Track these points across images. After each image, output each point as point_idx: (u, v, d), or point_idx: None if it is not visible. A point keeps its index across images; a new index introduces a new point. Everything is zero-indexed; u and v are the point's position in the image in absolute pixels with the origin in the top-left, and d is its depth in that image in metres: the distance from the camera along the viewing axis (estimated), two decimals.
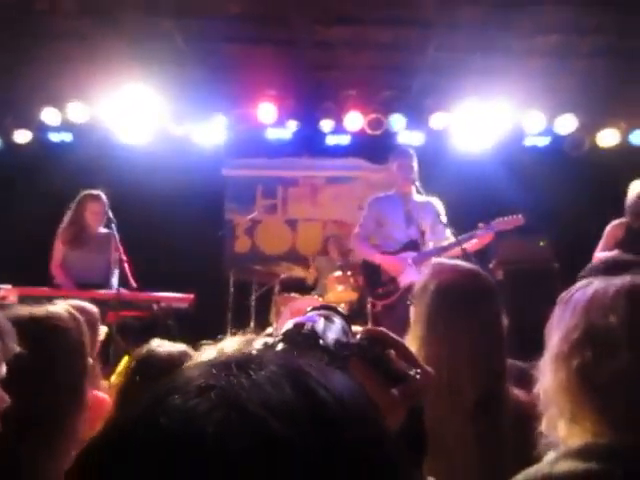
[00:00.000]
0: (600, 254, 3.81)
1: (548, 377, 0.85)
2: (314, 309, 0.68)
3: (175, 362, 1.39)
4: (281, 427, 0.34)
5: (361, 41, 4.58)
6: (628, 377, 0.77)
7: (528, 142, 5.28)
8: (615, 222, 3.90)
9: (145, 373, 1.40)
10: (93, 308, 2.04)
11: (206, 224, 5.59)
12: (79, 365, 1.18)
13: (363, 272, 3.90)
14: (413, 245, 3.59)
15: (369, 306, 4.66)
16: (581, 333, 0.82)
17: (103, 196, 4.05)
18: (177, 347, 1.50)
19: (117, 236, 3.91)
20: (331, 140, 5.60)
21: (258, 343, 0.60)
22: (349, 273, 5.11)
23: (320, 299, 4.94)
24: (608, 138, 5.02)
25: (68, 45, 4.52)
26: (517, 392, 1.33)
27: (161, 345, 1.50)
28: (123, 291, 3.83)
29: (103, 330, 2.27)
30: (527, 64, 4.41)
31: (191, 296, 3.91)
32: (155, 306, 3.85)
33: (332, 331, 0.60)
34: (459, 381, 1.26)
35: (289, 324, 0.61)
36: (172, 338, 1.66)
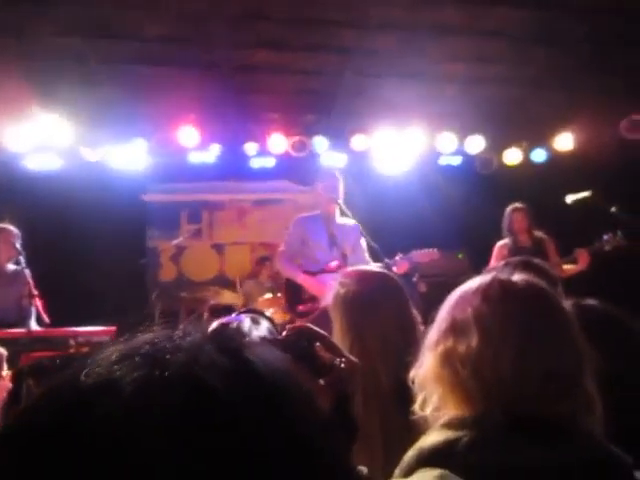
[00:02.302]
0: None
1: (422, 364, 0.97)
2: (241, 312, 0.70)
3: None
4: (208, 379, 0.33)
5: (282, 65, 4.67)
6: (477, 356, 0.88)
7: (442, 161, 5.62)
8: (500, 243, 4.38)
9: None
10: None
11: (127, 253, 5.35)
12: None
13: (285, 290, 3.92)
14: (335, 266, 3.64)
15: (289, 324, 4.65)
16: (446, 324, 0.95)
17: (11, 227, 3.75)
18: None
19: (27, 270, 3.64)
20: (256, 163, 5.60)
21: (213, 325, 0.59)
22: (279, 295, 5.09)
23: None
24: (512, 156, 5.47)
25: None
26: None
27: None
28: (35, 328, 3.55)
29: (5, 373, 2.05)
30: (438, 89, 4.72)
31: (112, 329, 3.69)
32: (72, 342, 3.59)
33: (258, 330, 0.62)
34: (375, 376, 1.34)
35: (214, 324, 0.61)
36: None
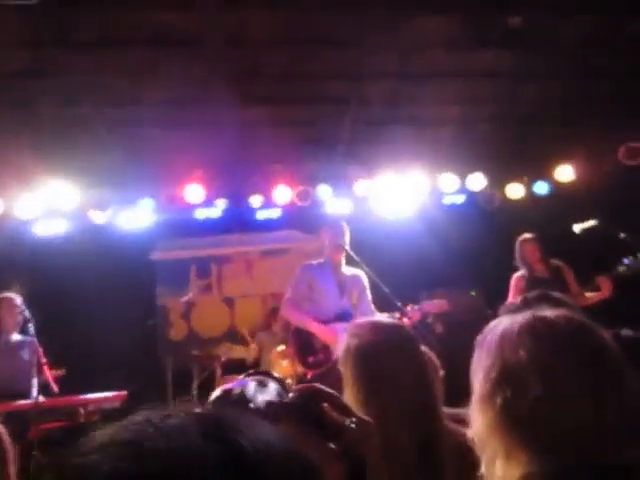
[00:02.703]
0: None
1: (477, 419, 0.87)
2: (247, 375, 0.67)
3: None
4: (184, 473, 0.32)
5: (282, 118, 4.81)
6: (545, 405, 0.80)
7: (447, 201, 5.66)
8: (517, 274, 4.35)
9: None
10: None
11: (137, 313, 5.32)
12: None
13: (294, 339, 3.75)
14: (346, 316, 3.54)
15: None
16: (498, 372, 0.85)
17: (13, 296, 3.77)
18: None
19: (35, 338, 3.61)
20: (262, 214, 5.66)
21: (214, 394, 0.56)
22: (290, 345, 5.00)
23: None
24: (515, 191, 5.52)
25: None
26: (467, 432, 1.36)
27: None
28: (43, 398, 3.48)
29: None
30: (435, 132, 4.84)
31: (122, 393, 3.60)
32: (82, 410, 3.49)
33: (264, 394, 0.59)
34: (396, 439, 1.24)
35: (217, 391, 0.59)
36: None
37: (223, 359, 5.00)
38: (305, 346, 3.57)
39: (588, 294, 4.03)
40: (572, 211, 4.72)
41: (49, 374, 3.80)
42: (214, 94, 4.36)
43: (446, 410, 1.47)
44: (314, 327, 3.51)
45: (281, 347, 4.96)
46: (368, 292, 3.63)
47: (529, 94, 4.34)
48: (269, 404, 0.58)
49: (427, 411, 1.30)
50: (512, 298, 4.28)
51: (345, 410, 0.64)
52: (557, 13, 3.48)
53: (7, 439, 1.66)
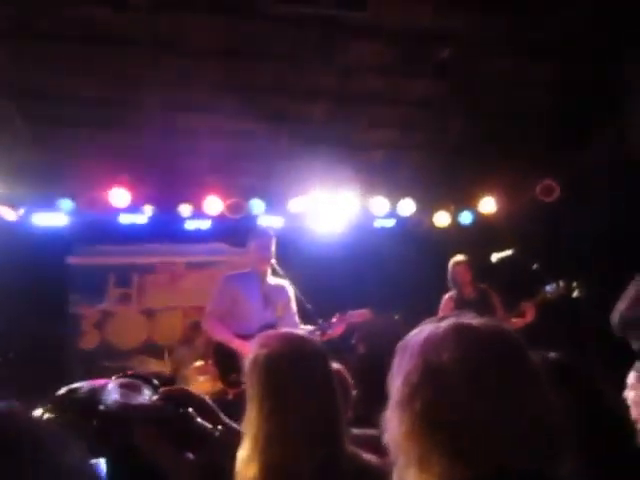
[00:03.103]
0: None
1: (393, 425, 0.84)
2: (119, 377, 0.62)
3: None
4: None
5: (215, 129, 4.74)
6: (468, 410, 0.78)
7: (377, 224, 5.77)
8: (446, 296, 4.51)
9: None
10: None
11: (47, 319, 4.96)
12: None
13: (215, 356, 3.61)
14: (270, 328, 3.48)
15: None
16: (419, 375, 0.83)
17: None
18: None
19: None
20: (190, 225, 5.50)
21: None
22: (211, 362, 4.84)
23: None
24: (441, 219, 5.72)
25: None
26: (367, 456, 1.31)
27: None
28: None
29: None
30: (367, 155, 4.94)
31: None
32: None
33: (123, 396, 0.54)
34: (294, 458, 1.20)
35: (62, 389, 0.54)
36: None
37: (130, 373, 4.75)
38: (227, 363, 3.41)
39: (513, 319, 4.19)
40: (493, 240, 4.95)
41: None
42: (146, 98, 4.23)
43: (355, 431, 1.43)
44: (235, 343, 3.38)
45: (199, 362, 4.79)
46: (293, 304, 3.58)
47: (457, 125, 4.54)
48: (122, 405, 0.52)
49: (329, 432, 1.26)
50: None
51: (213, 416, 0.60)
52: (479, 49, 3.69)
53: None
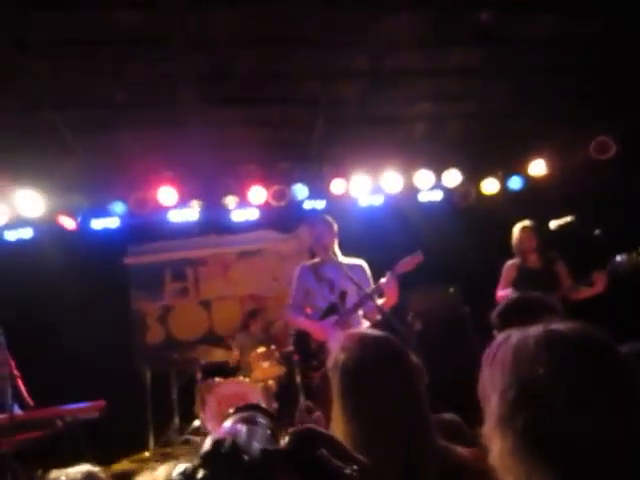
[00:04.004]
0: (501, 292, 4.15)
1: (497, 444, 0.83)
2: (235, 412, 0.62)
3: None
4: None
5: (253, 119, 4.75)
6: (567, 429, 0.76)
7: (422, 198, 5.66)
8: (509, 262, 4.29)
9: None
10: None
11: (112, 319, 5.22)
12: None
13: (295, 346, 3.82)
14: (333, 308, 3.57)
15: (298, 378, 4.53)
16: (515, 391, 0.81)
17: None
18: (78, 472, 1.30)
19: (7, 350, 3.52)
20: (237, 216, 5.60)
21: (176, 471, 0.52)
22: (273, 347, 4.97)
23: (247, 379, 4.73)
24: (490, 186, 5.54)
25: None
26: (463, 452, 1.31)
27: (58, 477, 1.29)
28: (18, 411, 3.39)
29: None
30: (409, 129, 4.82)
31: (101, 403, 3.53)
32: (59, 422, 3.42)
33: (257, 438, 0.55)
34: (381, 460, 1.21)
35: (208, 443, 0.54)
36: (81, 456, 1.44)
37: (202, 362, 4.94)
38: (305, 350, 3.60)
39: (581, 289, 3.96)
40: (546, 205, 4.75)
41: (22, 387, 3.71)
42: (182, 95, 4.27)
43: (437, 417, 1.42)
44: (308, 326, 3.55)
45: (261, 349, 4.93)
46: (369, 280, 3.56)
47: (500, 90, 4.34)
48: (265, 453, 0.54)
49: (416, 431, 1.25)
50: (502, 287, 4.22)
51: (343, 454, 0.60)
52: (525, 10, 3.48)
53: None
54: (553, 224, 4.29)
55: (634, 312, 4.10)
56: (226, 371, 5.01)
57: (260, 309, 5.73)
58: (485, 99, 4.43)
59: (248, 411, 0.62)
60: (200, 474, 0.49)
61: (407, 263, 3.53)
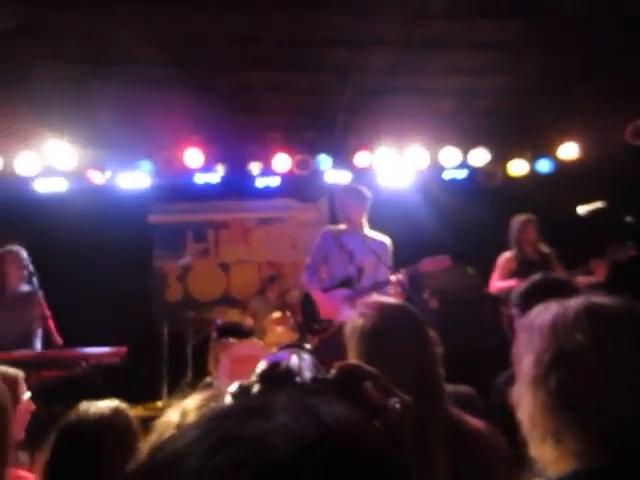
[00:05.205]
0: (498, 283, 4.16)
1: (528, 401, 0.87)
2: (283, 348, 0.66)
3: (105, 426, 1.31)
4: (320, 466, 0.33)
5: (280, 86, 4.74)
6: (603, 394, 0.79)
7: (447, 175, 5.58)
8: (506, 254, 4.28)
9: (72, 442, 1.29)
10: (15, 371, 1.88)
11: (134, 273, 5.40)
12: (2, 422, 1.21)
13: (302, 307, 3.89)
14: (348, 282, 3.59)
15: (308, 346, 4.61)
16: (552, 354, 0.84)
17: (22, 251, 3.83)
18: (107, 407, 1.38)
19: (40, 291, 3.70)
20: (260, 182, 5.65)
21: (232, 387, 0.56)
22: (288, 313, 5.06)
23: (260, 342, 4.84)
24: (517, 168, 5.41)
25: None
26: (474, 422, 1.34)
27: (88, 408, 1.37)
28: (46, 350, 3.58)
29: (27, 395, 2.04)
30: (436, 103, 4.72)
31: (122, 349, 3.69)
32: (84, 363, 3.60)
33: (306, 367, 0.58)
34: None
35: (262, 364, 0.58)
36: (102, 398, 1.53)
37: (218, 322, 5.08)
38: (310, 314, 3.68)
39: (581, 278, 3.96)
40: (576, 191, 4.61)
41: (53, 326, 3.89)
42: (212, 57, 4.30)
43: (450, 388, 1.46)
44: (319, 298, 3.61)
45: (276, 314, 5.03)
46: (389, 259, 3.58)
47: (533, 66, 4.19)
48: (315, 380, 0.58)
49: (427, 400, 1.26)
50: (499, 278, 4.25)
51: (387, 389, 0.64)
52: None
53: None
54: (582, 209, 4.19)
55: None
56: (240, 332, 5.14)
57: (278, 276, 5.82)
58: (517, 75, 4.30)
59: (294, 348, 0.65)
60: (255, 389, 0.52)
61: (433, 263, 3.49)
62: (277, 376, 0.54)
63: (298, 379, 0.54)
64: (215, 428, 0.34)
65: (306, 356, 0.61)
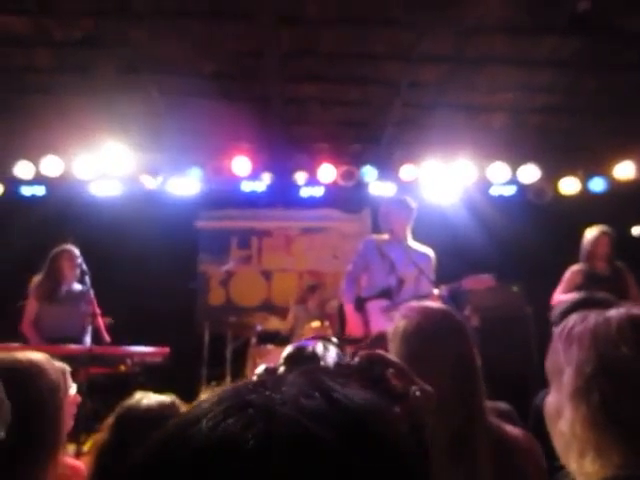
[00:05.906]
0: (560, 296, 3.97)
1: (568, 414, 0.84)
2: (311, 338, 0.68)
3: (162, 414, 1.34)
4: (323, 434, 0.34)
5: (330, 98, 4.79)
6: None
7: (494, 192, 5.48)
8: (574, 268, 4.09)
9: (128, 428, 1.32)
10: (62, 365, 1.96)
11: (179, 276, 5.55)
12: (57, 400, 1.25)
13: (339, 312, 3.93)
14: (387, 293, 3.58)
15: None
16: (594, 366, 0.82)
17: (76, 250, 4.00)
18: (163, 398, 1.42)
19: (91, 290, 3.85)
20: (305, 192, 5.71)
21: (259, 369, 0.59)
22: (327, 324, 5.07)
23: None
24: (569, 186, 5.25)
25: (43, 100, 4.60)
26: (512, 430, 1.32)
27: (145, 397, 1.41)
28: (95, 346, 3.72)
29: (73, 388, 2.13)
30: (487, 119, 4.66)
31: (166, 349, 3.79)
32: (129, 361, 3.72)
33: (331, 354, 0.60)
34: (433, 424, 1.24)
35: (289, 348, 0.61)
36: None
37: (258, 328, 5.14)
38: (341, 324, 3.74)
39: None
40: (630, 212, 4.45)
41: (102, 324, 4.03)
42: (265, 70, 4.39)
43: (488, 404, 1.47)
44: (349, 316, 3.56)
45: (315, 323, 5.04)
46: (432, 273, 3.54)
47: (589, 84, 4.08)
48: (338, 364, 0.61)
49: (466, 401, 1.28)
50: (563, 291, 4.06)
51: (408, 377, 0.65)
52: (625, 1, 3.23)
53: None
54: (636, 230, 4.04)
55: None
56: (279, 339, 5.19)
57: (319, 285, 5.84)
58: (572, 93, 4.19)
59: (322, 339, 0.67)
60: (281, 369, 0.55)
61: (476, 282, 3.41)
62: (302, 359, 0.56)
63: (322, 363, 0.56)
64: (230, 397, 0.37)
65: (332, 347, 0.63)
